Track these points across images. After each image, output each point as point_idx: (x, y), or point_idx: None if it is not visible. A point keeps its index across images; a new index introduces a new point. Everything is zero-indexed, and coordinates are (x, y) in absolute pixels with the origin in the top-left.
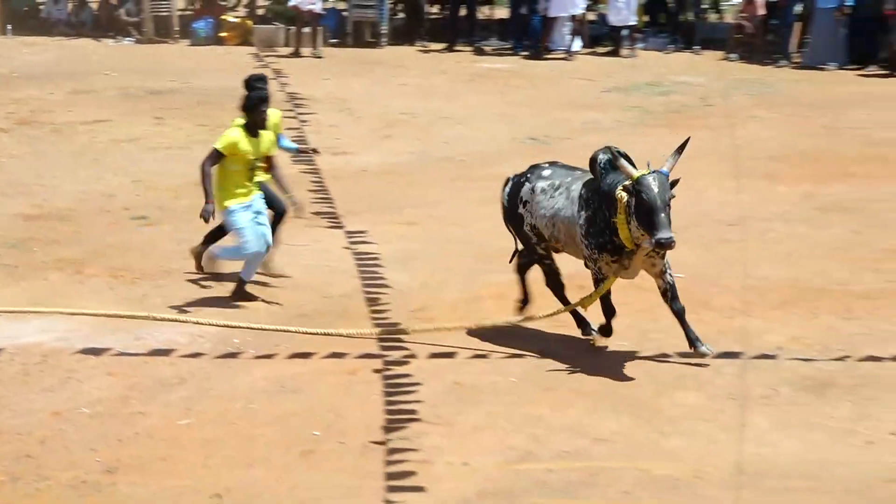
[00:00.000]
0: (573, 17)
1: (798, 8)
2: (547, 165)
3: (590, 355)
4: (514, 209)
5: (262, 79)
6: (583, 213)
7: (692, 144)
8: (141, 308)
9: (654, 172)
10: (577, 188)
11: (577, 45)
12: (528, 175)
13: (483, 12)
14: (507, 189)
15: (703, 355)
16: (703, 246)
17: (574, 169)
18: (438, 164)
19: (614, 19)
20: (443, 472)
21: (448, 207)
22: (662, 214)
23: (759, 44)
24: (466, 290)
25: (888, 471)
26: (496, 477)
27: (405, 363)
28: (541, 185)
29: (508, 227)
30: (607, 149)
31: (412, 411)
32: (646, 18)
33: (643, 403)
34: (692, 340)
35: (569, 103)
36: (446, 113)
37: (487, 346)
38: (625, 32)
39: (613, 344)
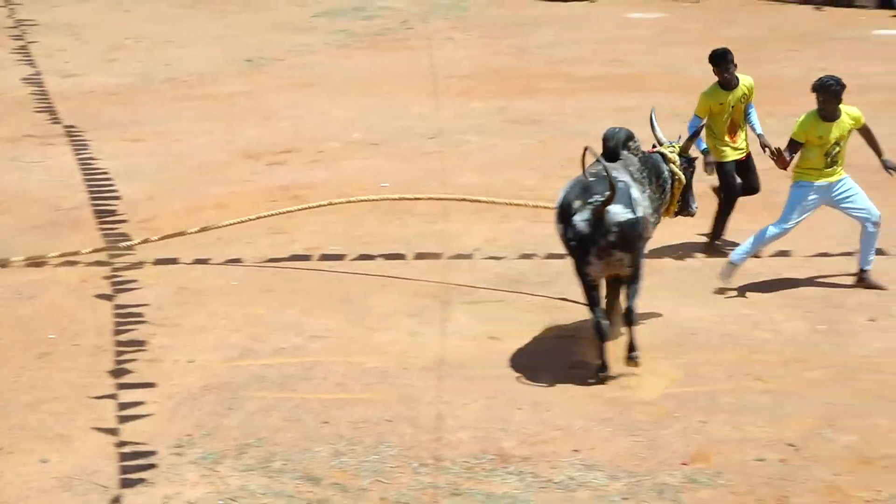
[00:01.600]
0: None
1: None
2: None
3: (302, 258)
4: None
5: (726, 55)
6: None
7: (395, 66)
8: None
9: None
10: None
11: None
12: None
13: None
14: None
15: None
16: (405, 158)
17: None
18: (161, 85)
19: None
20: (170, 369)
21: (170, 125)
22: None
23: None
24: (189, 200)
25: (578, 355)
26: (219, 372)
27: (133, 269)
28: None
29: None
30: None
31: (141, 314)
32: None
33: (354, 303)
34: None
35: (281, 27)
36: (168, 37)
37: (208, 252)
38: None
39: (325, 248)
